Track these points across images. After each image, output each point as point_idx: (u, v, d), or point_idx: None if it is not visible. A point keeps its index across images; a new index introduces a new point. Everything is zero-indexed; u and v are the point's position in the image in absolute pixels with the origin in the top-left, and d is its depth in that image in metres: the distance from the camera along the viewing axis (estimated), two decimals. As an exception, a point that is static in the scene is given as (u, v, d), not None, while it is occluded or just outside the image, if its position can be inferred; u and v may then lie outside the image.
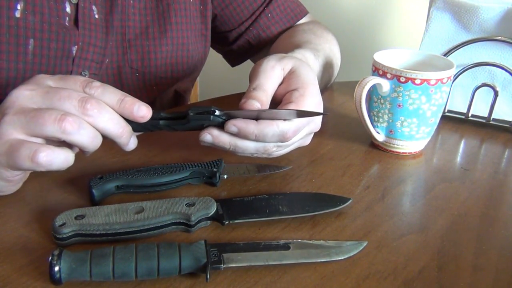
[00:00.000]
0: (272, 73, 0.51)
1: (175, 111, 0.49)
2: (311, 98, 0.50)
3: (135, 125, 0.47)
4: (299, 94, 0.50)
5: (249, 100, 0.48)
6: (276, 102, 0.51)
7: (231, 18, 0.79)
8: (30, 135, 0.42)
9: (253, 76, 0.51)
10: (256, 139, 0.47)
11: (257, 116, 0.47)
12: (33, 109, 0.42)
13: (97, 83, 0.44)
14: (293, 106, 0.48)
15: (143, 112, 0.45)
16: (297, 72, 0.52)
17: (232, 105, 0.53)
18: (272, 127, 0.47)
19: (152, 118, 0.47)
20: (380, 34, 1.49)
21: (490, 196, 0.55)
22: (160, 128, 0.48)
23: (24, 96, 0.42)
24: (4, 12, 0.56)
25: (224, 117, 0.47)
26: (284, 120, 0.47)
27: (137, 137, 0.49)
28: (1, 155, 0.42)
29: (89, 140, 0.43)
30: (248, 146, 0.48)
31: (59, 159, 0.42)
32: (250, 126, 0.46)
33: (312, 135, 0.55)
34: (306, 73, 0.52)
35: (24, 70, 0.59)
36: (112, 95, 0.45)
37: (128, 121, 0.46)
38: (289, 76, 0.52)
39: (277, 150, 0.51)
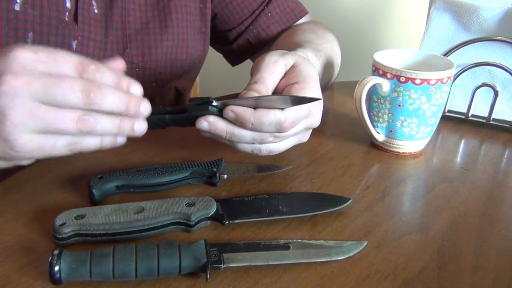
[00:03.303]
0: (274, 68, 0.51)
1: (179, 106, 0.50)
2: (311, 92, 0.50)
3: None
4: (299, 87, 0.50)
5: (249, 92, 0.48)
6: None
7: (231, 17, 0.79)
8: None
9: (255, 69, 0.52)
10: (253, 128, 0.47)
11: (254, 106, 0.47)
12: (45, 112, 0.40)
13: (92, 67, 0.42)
14: None
15: (137, 90, 0.45)
16: (299, 67, 0.52)
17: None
18: (269, 116, 0.46)
19: (158, 113, 0.48)
20: (380, 34, 1.49)
21: (490, 196, 0.55)
22: (167, 124, 0.49)
23: (25, 93, 0.39)
24: (4, 5, 0.56)
25: (221, 107, 0.47)
26: (282, 109, 0.47)
27: (138, 139, 0.49)
28: (22, 152, 0.41)
29: (108, 128, 0.43)
30: (244, 135, 0.48)
31: (92, 143, 0.43)
32: (247, 113, 0.46)
33: (310, 131, 0.55)
34: (307, 68, 0.52)
35: None
36: (109, 78, 0.43)
37: None
38: (290, 71, 0.52)
39: (274, 140, 0.50)
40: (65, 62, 0.42)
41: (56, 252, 0.38)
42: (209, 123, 0.47)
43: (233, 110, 0.46)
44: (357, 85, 0.60)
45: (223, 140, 0.49)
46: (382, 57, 0.61)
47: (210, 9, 0.77)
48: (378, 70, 0.59)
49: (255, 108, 0.47)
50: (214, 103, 0.47)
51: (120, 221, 0.43)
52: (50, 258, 0.37)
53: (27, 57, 0.40)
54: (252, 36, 0.81)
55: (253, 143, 0.50)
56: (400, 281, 0.41)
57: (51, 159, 0.44)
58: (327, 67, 0.70)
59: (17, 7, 0.57)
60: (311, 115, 0.51)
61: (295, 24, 0.82)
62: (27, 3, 0.58)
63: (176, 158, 0.58)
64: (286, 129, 0.48)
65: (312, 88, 0.51)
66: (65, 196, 0.50)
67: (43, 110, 0.40)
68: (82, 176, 0.53)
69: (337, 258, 0.43)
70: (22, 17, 0.57)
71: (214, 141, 0.51)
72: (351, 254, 0.43)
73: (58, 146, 0.42)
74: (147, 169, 0.51)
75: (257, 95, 0.48)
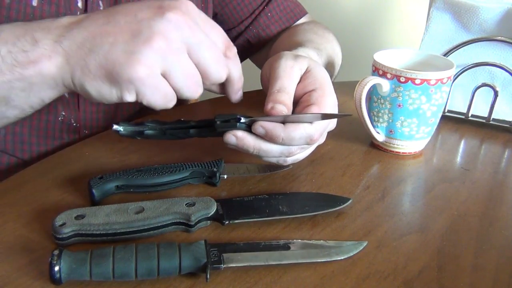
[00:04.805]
0: (292, 73, 0.51)
1: (203, 119, 0.50)
2: (330, 98, 0.51)
3: (169, 135, 0.50)
4: (318, 94, 0.50)
5: (276, 105, 0.48)
6: (294, 101, 0.51)
7: (231, 17, 0.79)
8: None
9: (273, 76, 0.51)
10: (283, 143, 0.47)
11: (282, 121, 0.47)
12: (182, 55, 0.43)
13: (234, 50, 0.49)
14: (315, 108, 0.49)
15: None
16: (313, 72, 0.52)
17: (232, 106, 0.54)
18: (299, 131, 0.47)
19: (183, 127, 0.49)
20: (380, 34, 1.49)
21: (490, 196, 0.55)
22: (190, 136, 0.50)
23: (181, 31, 0.43)
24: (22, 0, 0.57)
25: (249, 123, 0.47)
26: (310, 123, 0.47)
27: (138, 139, 0.49)
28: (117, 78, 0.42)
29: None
30: (272, 149, 0.48)
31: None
32: (277, 129, 0.46)
33: (326, 133, 0.55)
34: (321, 72, 0.53)
35: None
36: (239, 71, 0.50)
37: (162, 131, 0.49)
38: (306, 76, 0.52)
39: (300, 152, 0.51)
40: (219, 34, 0.48)
41: (56, 252, 0.38)
42: (237, 138, 0.47)
43: (262, 125, 0.46)
44: (357, 85, 0.60)
45: (249, 153, 0.49)
46: (382, 57, 0.61)
47: (212, 9, 0.78)
48: (378, 70, 0.59)
49: (283, 122, 0.47)
50: (242, 120, 0.47)
51: (120, 221, 0.43)
52: (50, 258, 0.37)
53: (194, 9, 0.45)
54: (252, 36, 0.81)
55: (280, 156, 0.50)
56: (400, 281, 0.41)
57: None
58: (328, 66, 0.70)
59: (34, 3, 0.58)
60: (331, 120, 0.52)
61: (295, 24, 0.82)
62: (44, 0, 0.58)
63: (176, 158, 0.58)
64: (315, 141, 0.49)
65: (330, 94, 0.51)
66: (65, 196, 0.50)
67: (181, 54, 0.43)
68: (82, 176, 0.53)
69: (337, 258, 0.43)
70: (39, 13, 0.58)
71: (214, 141, 0.51)
72: (351, 254, 0.43)
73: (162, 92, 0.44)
74: (147, 169, 0.51)
75: (285, 108, 0.48)
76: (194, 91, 0.45)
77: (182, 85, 0.44)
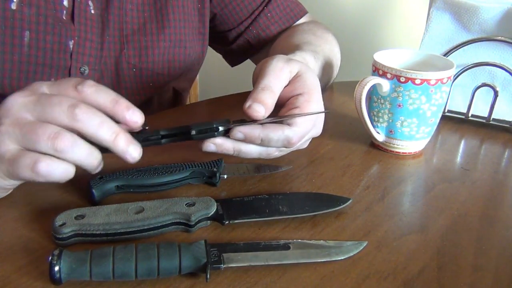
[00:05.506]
0: (281, 74, 0.51)
1: (176, 127, 0.48)
2: (316, 104, 0.51)
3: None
4: (304, 99, 0.50)
5: (254, 104, 0.47)
6: (279, 103, 0.51)
7: (231, 18, 0.79)
8: (25, 149, 0.41)
9: (262, 74, 0.51)
10: (262, 144, 0.48)
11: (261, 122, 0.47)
12: (27, 122, 0.41)
13: (90, 82, 0.43)
14: (298, 111, 0.49)
15: (137, 117, 0.43)
16: (303, 76, 0.52)
17: (232, 106, 0.54)
18: (277, 132, 0.47)
19: (153, 135, 0.46)
20: (380, 34, 1.49)
21: (490, 196, 0.55)
22: (161, 144, 0.47)
23: (18, 104, 0.41)
24: (0, 4, 0.57)
25: (226, 129, 0.47)
26: (289, 124, 0.47)
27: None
28: (2, 164, 0.41)
29: (84, 156, 0.41)
30: (251, 151, 0.49)
31: (58, 170, 0.41)
32: (255, 131, 0.47)
33: (310, 139, 0.55)
34: (311, 78, 0.52)
35: (19, 61, 0.60)
36: (106, 95, 0.42)
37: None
38: (295, 80, 0.52)
39: (279, 154, 0.52)
40: (66, 80, 0.43)
41: (56, 252, 0.38)
42: (217, 145, 0.48)
43: (240, 130, 0.47)
44: (357, 85, 0.60)
45: (227, 155, 0.50)
46: (382, 57, 0.61)
47: (209, 10, 0.78)
48: (378, 70, 0.59)
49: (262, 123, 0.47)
50: (220, 129, 0.47)
51: (120, 221, 0.43)
52: (50, 258, 0.37)
53: (40, 82, 0.44)
54: (252, 36, 0.81)
55: (259, 158, 0.51)
56: (400, 281, 0.41)
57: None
58: (326, 68, 0.70)
59: (13, 6, 0.58)
60: (315, 126, 0.52)
61: (294, 24, 0.82)
62: (24, 2, 0.58)
63: (176, 158, 0.58)
64: (294, 145, 0.49)
65: (317, 100, 0.51)
66: (65, 196, 0.50)
67: (27, 120, 0.41)
68: (82, 176, 0.53)
69: (337, 258, 0.43)
70: (19, 16, 0.58)
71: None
72: (351, 254, 0.43)
73: (22, 164, 0.40)
74: (147, 169, 0.51)
75: (262, 108, 0.47)
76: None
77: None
